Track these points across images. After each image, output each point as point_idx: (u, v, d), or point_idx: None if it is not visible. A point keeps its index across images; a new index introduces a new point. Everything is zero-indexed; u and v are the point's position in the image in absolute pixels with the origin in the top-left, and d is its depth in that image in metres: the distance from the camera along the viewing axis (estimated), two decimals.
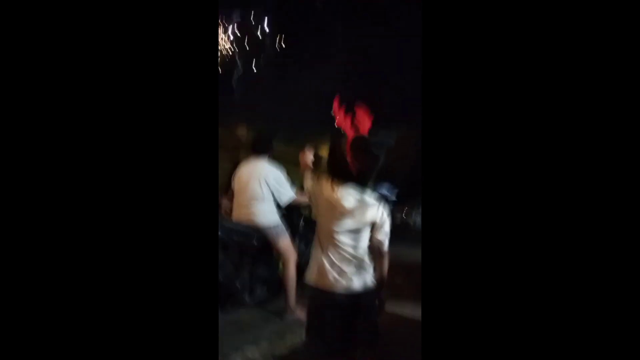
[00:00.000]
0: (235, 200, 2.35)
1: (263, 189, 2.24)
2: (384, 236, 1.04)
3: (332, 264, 0.99)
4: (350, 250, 0.99)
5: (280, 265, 2.31)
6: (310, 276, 1.04)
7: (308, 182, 1.14)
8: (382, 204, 1.05)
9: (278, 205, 2.32)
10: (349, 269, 0.99)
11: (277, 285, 2.27)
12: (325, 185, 1.03)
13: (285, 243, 2.28)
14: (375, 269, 1.05)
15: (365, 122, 1.04)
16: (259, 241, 2.26)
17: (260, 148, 2.36)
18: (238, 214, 2.30)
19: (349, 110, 1.05)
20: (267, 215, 2.26)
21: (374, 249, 1.05)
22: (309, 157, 1.25)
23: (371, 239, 1.03)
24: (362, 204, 1.01)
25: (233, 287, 2.15)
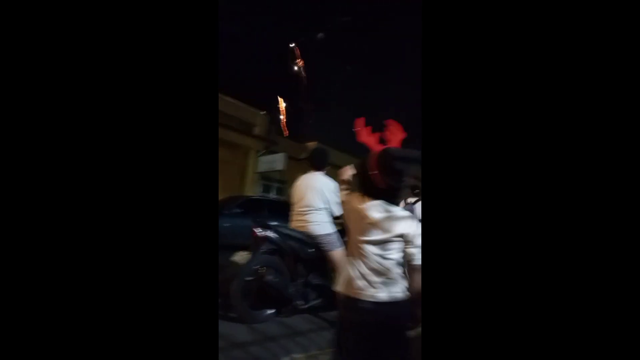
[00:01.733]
0: (293, 209, 2.50)
1: (319, 199, 2.36)
2: (415, 249, 1.02)
3: (360, 273, 1.01)
4: (378, 259, 1.00)
5: (334, 275, 2.36)
6: (339, 284, 1.07)
7: (342, 195, 1.19)
8: (412, 217, 1.04)
9: (333, 216, 2.41)
10: (375, 279, 0.99)
11: (332, 294, 2.31)
12: (356, 197, 1.07)
13: (339, 253, 2.33)
14: (408, 282, 1.03)
15: (396, 137, 1.06)
16: (314, 249, 2.35)
17: (317, 163, 2.49)
18: (295, 222, 2.44)
19: (378, 127, 1.08)
20: (321, 224, 2.35)
21: (406, 262, 1.04)
22: (347, 173, 1.30)
23: (403, 251, 1.03)
24: (390, 216, 1.01)
25: (288, 292, 2.26)
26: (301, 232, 2.35)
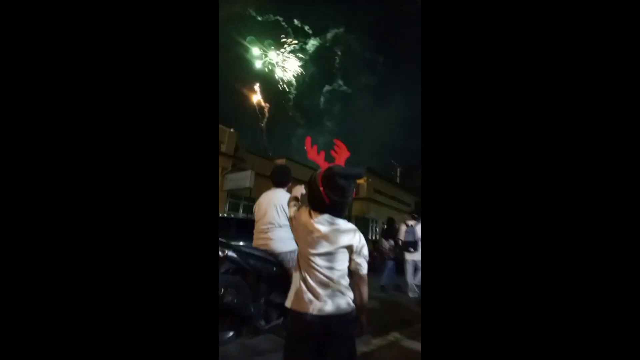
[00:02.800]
0: (255, 227, 2.49)
1: (280, 215, 2.36)
2: (361, 260, 1.08)
3: (308, 286, 1.04)
4: (326, 272, 1.04)
5: None
6: (289, 299, 1.09)
7: (291, 211, 1.23)
8: (357, 230, 1.10)
9: None
10: (323, 292, 1.02)
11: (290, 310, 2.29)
12: (304, 212, 1.12)
13: None
14: (354, 293, 1.08)
15: (341, 156, 1.13)
16: (277, 267, 2.34)
17: (278, 180, 2.51)
18: (257, 240, 2.42)
19: (324, 146, 1.15)
20: (283, 241, 2.35)
21: (352, 272, 1.09)
22: (299, 190, 1.35)
23: (350, 263, 1.08)
24: (336, 229, 1.06)
25: (249, 312, 2.21)
26: (263, 250, 2.33)
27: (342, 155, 1.13)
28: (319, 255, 1.05)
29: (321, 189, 1.05)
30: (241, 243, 2.36)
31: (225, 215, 8.53)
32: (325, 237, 1.05)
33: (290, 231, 2.40)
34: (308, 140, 1.18)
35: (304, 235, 1.08)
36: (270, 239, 2.35)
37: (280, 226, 2.37)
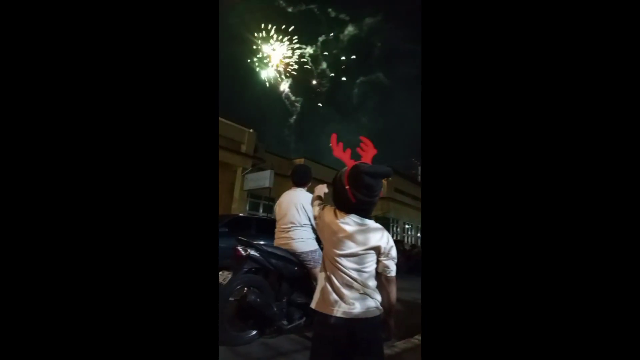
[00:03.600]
0: (276, 226, 2.48)
1: (301, 215, 2.35)
2: (389, 261, 1.03)
3: (334, 287, 1.01)
4: (353, 274, 1.00)
5: None
6: (314, 300, 1.06)
7: (316, 210, 1.20)
8: (385, 231, 1.05)
9: (315, 231, 2.40)
10: (350, 294, 0.99)
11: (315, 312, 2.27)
12: (329, 212, 1.08)
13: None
14: (382, 296, 1.03)
15: (367, 153, 1.09)
16: (298, 267, 2.33)
17: (299, 179, 2.50)
18: (278, 239, 2.42)
19: (350, 144, 1.11)
20: (305, 241, 2.33)
21: (380, 274, 1.04)
22: (322, 189, 1.32)
23: (377, 264, 1.04)
24: (363, 230, 1.02)
25: (271, 311, 2.21)
26: (285, 250, 2.33)
27: (368, 152, 1.09)
28: (345, 256, 1.01)
29: (347, 187, 1.01)
30: (262, 242, 2.36)
31: (248, 215, 8.64)
32: (351, 238, 1.01)
33: (311, 231, 2.39)
34: (334, 137, 1.15)
35: (329, 236, 1.05)
36: (292, 239, 2.34)
37: (302, 226, 2.35)
